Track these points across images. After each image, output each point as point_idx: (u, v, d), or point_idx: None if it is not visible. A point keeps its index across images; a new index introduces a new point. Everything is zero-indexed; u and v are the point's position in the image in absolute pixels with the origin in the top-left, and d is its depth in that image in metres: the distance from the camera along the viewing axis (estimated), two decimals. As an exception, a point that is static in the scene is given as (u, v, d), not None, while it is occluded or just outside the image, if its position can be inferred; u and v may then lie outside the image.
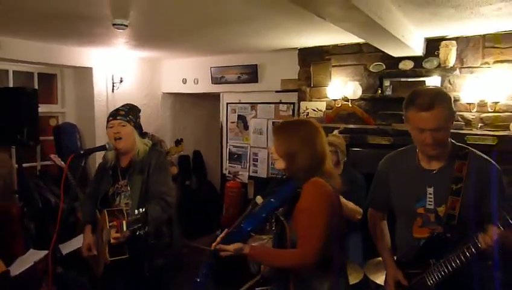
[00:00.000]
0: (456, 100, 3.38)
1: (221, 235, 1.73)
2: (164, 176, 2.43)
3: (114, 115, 2.42)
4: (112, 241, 2.10)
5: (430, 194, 1.64)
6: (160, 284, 2.44)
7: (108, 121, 2.44)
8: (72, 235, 3.06)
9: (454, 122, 1.65)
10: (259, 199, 1.72)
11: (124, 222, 2.01)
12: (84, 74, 4.81)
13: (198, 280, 1.71)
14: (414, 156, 1.73)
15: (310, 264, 1.61)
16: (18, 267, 2.63)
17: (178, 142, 3.66)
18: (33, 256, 2.83)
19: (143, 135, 2.58)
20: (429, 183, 1.65)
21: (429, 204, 1.64)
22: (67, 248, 3.02)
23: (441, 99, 1.55)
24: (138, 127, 2.50)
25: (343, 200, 2.07)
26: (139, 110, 2.55)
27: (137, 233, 2.00)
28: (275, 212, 1.76)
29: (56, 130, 4.69)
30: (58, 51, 4.39)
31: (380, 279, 2.50)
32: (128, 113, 2.45)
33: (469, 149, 1.66)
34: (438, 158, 1.65)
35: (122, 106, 2.54)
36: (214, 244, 1.71)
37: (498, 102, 3.15)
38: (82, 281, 3.19)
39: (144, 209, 2.04)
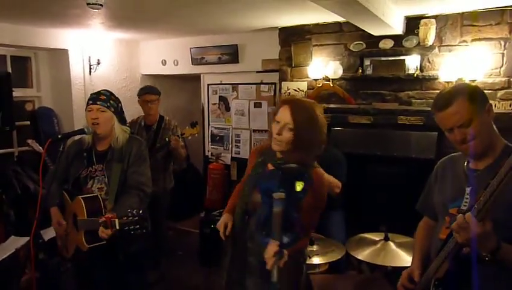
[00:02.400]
0: (434, 79, 3.43)
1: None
2: (144, 166, 2.42)
3: (94, 99, 2.36)
4: (102, 236, 2.07)
5: (467, 194, 1.49)
6: (134, 269, 2.45)
7: (87, 104, 2.39)
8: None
9: (491, 114, 1.48)
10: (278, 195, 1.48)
11: (117, 221, 1.99)
12: (59, 57, 4.68)
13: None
14: (466, 158, 1.58)
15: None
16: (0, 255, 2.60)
17: (193, 125, 3.62)
18: (14, 243, 2.79)
19: (124, 121, 2.52)
20: (469, 183, 1.50)
21: (464, 205, 1.49)
22: (49, 233, 2.98)
23: (459, 93, 1.45)
24: (119, 113, 2.44)
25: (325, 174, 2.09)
26: (119, 100, 2.50)
27: (132, 232, 1.98)
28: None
29: (32, 114, 4.58)
30: (31, 33, 4.25)
31: (361, 255, 2.58)
32: (110, 98, 2.40)
33: None
34: (484, 156, 1.50)
35: (104, 90, 2.48)
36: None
37: (475, 80, 3.21)
38: (66, 267, 3.16)
39: (140, 212, 2.01)
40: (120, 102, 2.49)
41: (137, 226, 1.98)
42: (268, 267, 1.44)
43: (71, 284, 3.07)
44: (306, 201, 1.62)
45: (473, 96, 1.45)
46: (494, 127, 1.51)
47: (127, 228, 1.97)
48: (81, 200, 2.21)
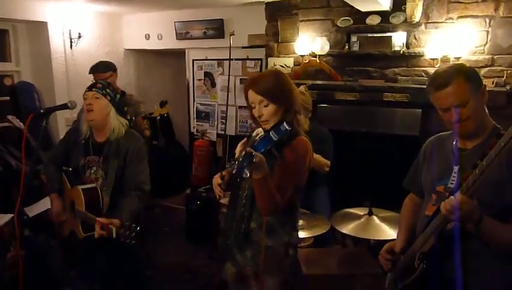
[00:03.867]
0: (420, 56, 3.45)
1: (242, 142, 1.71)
2: (142, 165, 2.42)
3: (90, 87, 2.37)
4: (96, 236, 2.11)
5: (455, 173, 1.51)
6: (128, 253, 2.47)
7: (85, 92, 2.38)
8: (37, 198, 2.99)
9: (485, 96, 1.49)
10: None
11: (114, 229, 2.04)
12: (38, 29, 4.52)
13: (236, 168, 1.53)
14: (454, 137, 1.60)
15: (278, 210, 1.73)
16: (-18, 232, 2.57)
17: (163, 104, 3.61)
18: (-2, 220, 2.76)
19: (123, 114, 2.49)
20: (457, 162, 1.53)
21: (451, 183, 1.51)
22: (33, 210, 2.96)
23: (457, 73, 1.46)
24: (117, 103, 2.42)
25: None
26: (117, 92, 2.48)
27: (122, 240, 2.04)
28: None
29: (12, 89, 4.45)
30: (8, 4, 4.07)
31: (345, 229, 2.63)
32: (106, 87, 2.39)
33: None
34: (474, 137, 1.52)
35: (103, 80, 2.51)
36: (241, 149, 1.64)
37: (460, 57, 3.24)
38: (52, 244, 3.15)
39: (138, 228, 2.04)
40: (118, 94, 2.47)
41: (132, 238, 2.03)
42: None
43: (58, 261, 3.07)
44: (284, 159, 1.69)
45: (470, 77, 1.47)
46: (485, 108, 1.52)
47: (122, 239, 2.03)
48: (81, 191, 2.23)
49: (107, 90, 2.38)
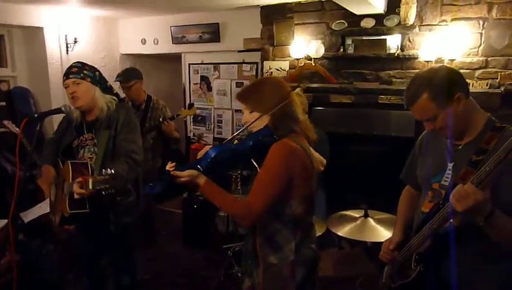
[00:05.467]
0: (414, 58, 3.46)
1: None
2: (133, 134, 2.38)
3: (67, 74, 2.31)
4: (76, 196, 2.03)
5: (449, 169, 1.50)
6: (126, 241, 2.46)
7: (63, 81, 2.34)
8: (32, 203, 2.97)
9: (461, 104, 1.43)
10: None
11: (90, 180, 1.94)
12: (34, 35, 4.52)
13: (150, 185, 1.61)
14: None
15: (250, 220, 1.62)
16: (-23, 238, 2.55)
17: (190, 106, 3.71)
18: (-8, 226, 2.75)
19: (108, 90, 2.43)
20: (451, 158, 1.51)
21: (445, 180, 1.51)
22: (28, 216, 2.94)
23: (422, 88, 1.43)
24: (98, 82, 2.37)
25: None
26: (96, 69, 2.42)
27: (103, 193, 1.95)
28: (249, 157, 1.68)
29: (8, 95, 4.45)
30: (4, 9, 4.08)
31: (341, 232, 2.64)
32: (82, 69, 2.32)
33: (509, 127, 1.44)
34: (465, 134, 1.50)
35: (76, 62, 2.40)
36: (170, 166, 1.62)
37: (454, 59, 3.25)
38: (48, 249, 3.14)
39: (112, 171, 1.95)
40: (97, 70, 2.41)
41: (107, 185, 1.93)
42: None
43: (54, 265, 3.06)
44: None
45: (436, 92, 1.41)
46: (474, 104, 1.49)
47: (98, 187, 1.93)
48: (69, 164, 2.19)
49: (84, 72, 2.31)
